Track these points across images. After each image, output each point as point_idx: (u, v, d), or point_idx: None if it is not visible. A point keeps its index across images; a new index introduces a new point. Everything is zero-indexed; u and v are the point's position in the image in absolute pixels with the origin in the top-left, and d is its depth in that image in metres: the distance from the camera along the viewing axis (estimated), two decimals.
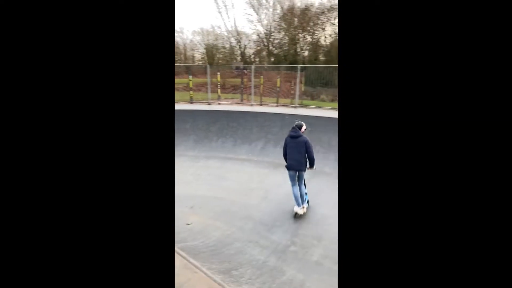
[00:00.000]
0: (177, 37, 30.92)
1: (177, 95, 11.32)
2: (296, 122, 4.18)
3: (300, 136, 3.97)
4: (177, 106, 8.63)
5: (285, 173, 4.27)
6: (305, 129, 4.16)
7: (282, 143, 4.30)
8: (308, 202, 4.46)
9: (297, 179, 4.06)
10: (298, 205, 4.15)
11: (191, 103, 9.73)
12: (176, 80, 13.22)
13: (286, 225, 4.12)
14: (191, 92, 9.96)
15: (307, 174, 4.23)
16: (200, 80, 12.28)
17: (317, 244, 3.67)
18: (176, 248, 2.56)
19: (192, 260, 2.41)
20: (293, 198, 4.15)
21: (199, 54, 26.28)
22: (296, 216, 4.19)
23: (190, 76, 10.12)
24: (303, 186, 4.19)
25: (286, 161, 4.14)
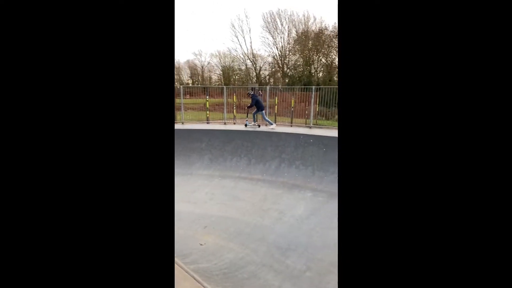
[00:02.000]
0: (196, 60, 32.33)
1: (194, 114, 11.65)
2: (250, 89, 9.37)
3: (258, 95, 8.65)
4: (194, 126, 8.85)
5: (300, 194, 5.52)
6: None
7: (297, 162, 6.88)
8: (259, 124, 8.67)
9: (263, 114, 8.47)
10: (271, 124, 8.45)
11: (208, 122, 9.95)
12: (194, 100, 13.66)
13: (301, 249, 3.99)
14: (208, 112, 10.22)
15: (320, 198, 5.81)
16: (216, 100, 12.64)
17: (334, 270, 3.51)
18: (189, 270, 2.53)
19: (205, 284, 2.36)
20: (268, 122, 8.59)
21: (215, 76, 27.23)
22: (259, 126, 8.44)
23: (207, 97, 10.43)
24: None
25: (260, 109, 8.37)
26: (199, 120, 10.47)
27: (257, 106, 8.43)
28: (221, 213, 5.12)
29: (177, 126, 9.02)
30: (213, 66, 28.75)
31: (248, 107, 8.79)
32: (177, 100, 10.47)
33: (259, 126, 8.58)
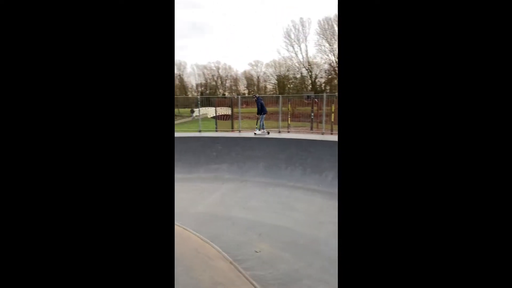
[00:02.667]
0: (252, 71, 33.54)
1: (250, 123, 12.02)
2: (254, 95, 9.85)
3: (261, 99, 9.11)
4: (250, 134, 9.13)
5: None
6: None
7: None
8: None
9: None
10: (263, 128, 8.94)
11: None
12: (250, 109, 14.13)
13: None
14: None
15: None
16: (271, 109, 12.83)
17: None
18: (248, 276, 2.58)
19: None
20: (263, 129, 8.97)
21: (271, 85, 27.77)
22: (269, 133, 8.89)
23: None
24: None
25: (264, 111, 8.93)
26: (255, 129, 10.74)
27: (262, 109, 8.87)
28: (276, 222, 5.11)
29: (235, 134, 9.43)
30: (268, 76, 29.40)
31: (258, 113, 9.09)
32: (235, 110, 10.98)
33: (268, 133, 8.93)
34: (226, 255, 2.98)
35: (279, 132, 9.74)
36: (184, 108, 22.10)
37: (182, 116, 21.31)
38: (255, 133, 8.85)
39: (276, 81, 28.20)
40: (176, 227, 3.91)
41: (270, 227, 4.89)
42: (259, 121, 9.03)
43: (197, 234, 3.67)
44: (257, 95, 9.48)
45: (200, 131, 9.86)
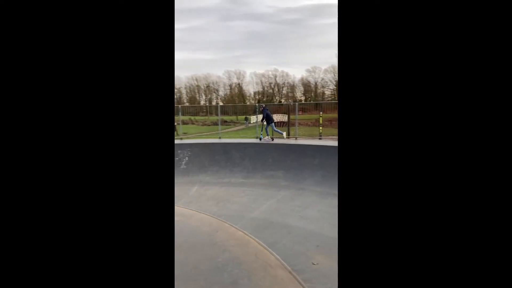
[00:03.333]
0: (309, 77, 33.11)
1: (307, 130, 11.84)
2: (260, 105, 12.39)
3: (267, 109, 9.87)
4: (307, 141, 8.98)
5: None
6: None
7: None
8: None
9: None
10: (281, 133, 9.89)
11: (320, 138, 9.88)
12: (307, 116, 13.96)
13: None
14: (321, 127, 10.16)
15: None
16: (329, 116, 12.44)
17: None
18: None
19: None
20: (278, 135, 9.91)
21: (329, 91, 26.95)
22: (273, 140, 9.47)
23: (321, 112, 10.41)
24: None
25: (271, 121, 9.60)
26: (311, 136, 10.55)
27: (267, 119, 9.39)
28: (334, 234, 4.84)
29: (291, 141, 9.40)
30: (326, 81, 28.60)
31: (261, 120, 9.72)
32: (291, 116, 10.98)
33: (272, 139, 9.43)
34: (285, 264, 2.96)
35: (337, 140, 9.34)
36: (242, 115, 23.05)
37: (240, 123, 22.26)
38: (260, 138, 9.55)
39: (335, 87, 27.23)
40: (236, 231, 4.06)
41: (328, 239, 4.69)
42: (264, 127, 9.76)
43: (257, 239, 3.74)
44: (264, 105, 10.57)
45: (258, 137, 10.10)
